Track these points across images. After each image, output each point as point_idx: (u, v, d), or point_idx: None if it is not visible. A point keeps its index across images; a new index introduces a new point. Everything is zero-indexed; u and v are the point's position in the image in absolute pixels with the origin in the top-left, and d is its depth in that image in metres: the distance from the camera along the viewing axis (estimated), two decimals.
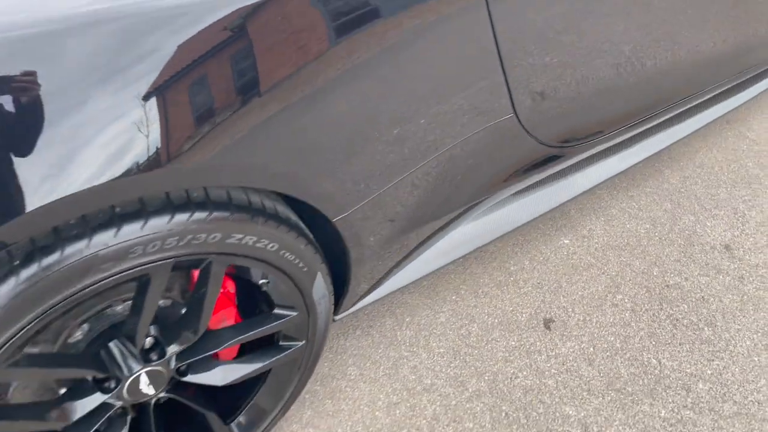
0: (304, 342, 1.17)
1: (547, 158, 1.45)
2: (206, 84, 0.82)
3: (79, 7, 0.75)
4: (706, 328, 1.56)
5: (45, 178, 0.73)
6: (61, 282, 0.79)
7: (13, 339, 0.80)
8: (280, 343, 1.16)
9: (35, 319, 0.80)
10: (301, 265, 1.05)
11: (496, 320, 1.56)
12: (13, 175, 0.72)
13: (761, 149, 2.08)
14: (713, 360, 1.49)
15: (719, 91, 1.92)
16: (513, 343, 1.52)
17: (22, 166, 0.73)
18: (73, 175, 0.75)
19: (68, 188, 0.74)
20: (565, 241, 1.76)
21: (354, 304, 1.32)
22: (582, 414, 1.38)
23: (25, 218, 0.73)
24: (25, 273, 0.77)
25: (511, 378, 1.45)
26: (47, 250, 0.78)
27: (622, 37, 1.42)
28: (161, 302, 1.03)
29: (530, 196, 1.58)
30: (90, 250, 0.80)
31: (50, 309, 0.80)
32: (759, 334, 1.55)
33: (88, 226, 0.80)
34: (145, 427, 1.09)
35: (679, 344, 1.52)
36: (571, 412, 1.39)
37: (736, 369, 1.48)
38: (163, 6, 0.79)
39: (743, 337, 1.54)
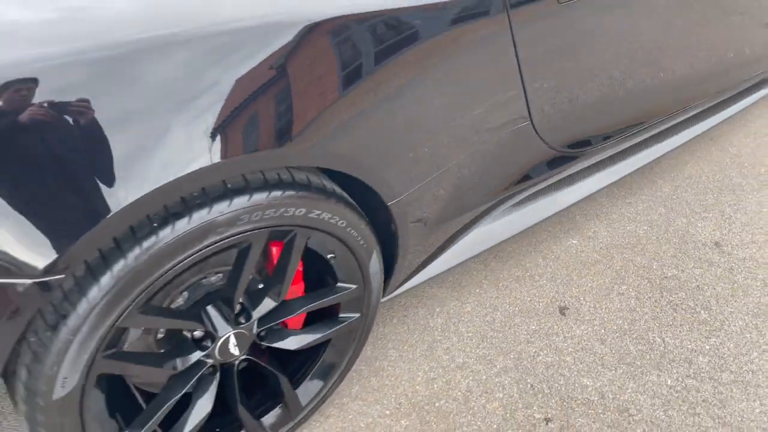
0: (359, 315, 1.36)
1: (553, 159, 1.67)
2: (303, 90, 1.04)
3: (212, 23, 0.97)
4: (702, 312, 1.76)
5: (171, 159, 0.94)
6: (187, 241, 0.99)
7: (147, 289, 0.99)
8: (340, 315, 1.36)
9: (165, 273, 0.99)
10: (362, 242, 1.25)
11: (517, 308, 1.76)
12: (150, 155, 0.93)
13: (742, 161, 2.31)
14: (710, 337, 1.68)
15: (701, 109, 2.17)
16: (533, 327, 1.71)
17: (157, 147, 0.93)
18: (195, 154, 0.95)
19: (192, 166, 0.95)
20: (573, 242, 1.97)
21: (396, 288, 1.52)
22: (598, 384, 1.57)
23: (160, 189, 0.93)
24: (162, 233, 0.96)
25: (533, 356, 1.63)
26: (178, 216, 0.98)
27: (616, 61, 1.66)
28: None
29: (540, 201, 1.79)
30: (210, 216, 1.00)
31: (177, 264, 1.00)
32: (749, 316, 1.74)
33: (208, 197, 1.00)
34: (228, 390, 1.27)
35: (680, 325, 1.71)
36: (588, 383, 1.57)
37: (731, 344, 1.67)
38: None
39: (736, 318, 1.74)
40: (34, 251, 0.85)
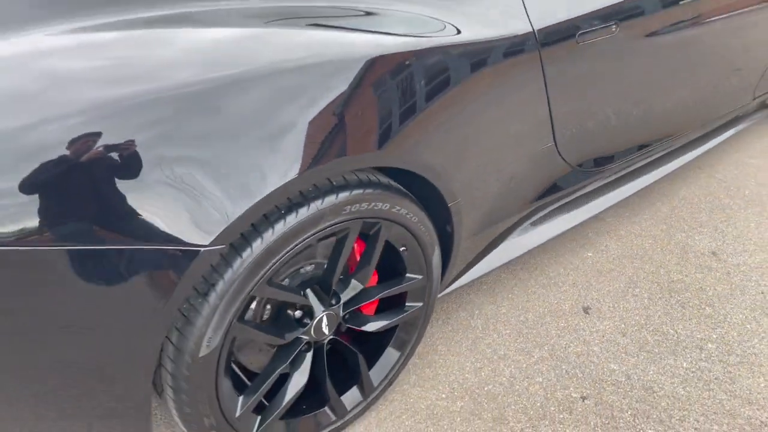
0: (422, 304, 1.60)
1: (569, 177, 1.95)
2: (391, 109, 1.31)
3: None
4: (707, 308, 2.01)
5: (294, 160, 1.19)
6: (305, 225, 1.24)
7: (275, 264, 1.23)
8: (407, 304, 1.59)
9: (289, 251, 1.23)
10: (428, 237, 1.50)
11: (546, 310, 1.99)
12: (281, 157, 1.18)
13: (728, 185, 2.62)
14: (716, 328, 1.93)
15: (689, 140, 2.48)
16: (562, 324, 1.94)
17: (284, 152, 1.19)
18: (308, 158, 1.21)
19: (305, 167, 1.21)
20: (589, 254, 2.23)
21: (447, 287, 1.76)
22: (624, 368, 1.80)
23: (286, 185, 1.19)
24: (289, 218, 1.21)
25: (564, 347, 1.86)
26: (299, 205, 1.23)
27: (622, 95, 1.96)
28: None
29: (557, 218, 2.06)
30: (323, 206, 1.25)
31: (297, 244, 1.24)
32: (748, 310, 2.00)
33: (320, 192, 1.26)
34: (318, 367, 1.48)
35: (689, 319, 1.96)
36: (615, 368, 1.80)
37: (735, 333, 1.91)
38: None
39: (736, 312, 1.99)
40: (205, 224, 1.09)
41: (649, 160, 2.33)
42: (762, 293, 2.06)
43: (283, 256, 1.23)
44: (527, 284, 2.09)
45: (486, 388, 1.74)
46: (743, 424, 1.65)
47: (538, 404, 1.70)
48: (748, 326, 1.94)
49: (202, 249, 1.09)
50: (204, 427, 1.30)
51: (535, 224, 2.00)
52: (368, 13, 1.37)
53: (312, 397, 1.53)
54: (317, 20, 1.30)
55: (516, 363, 1.81)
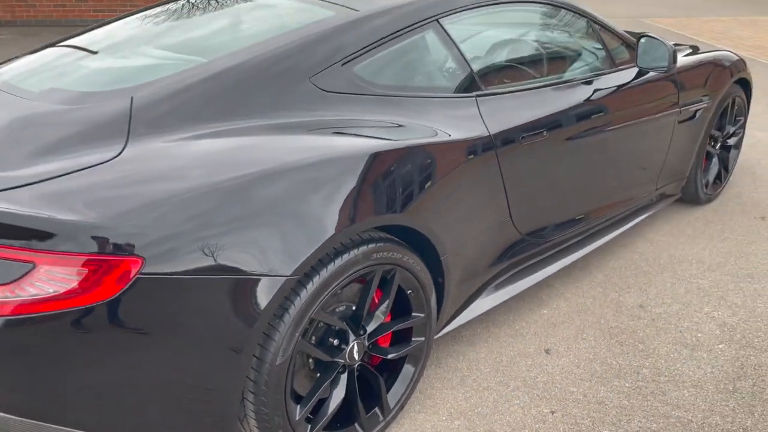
0: (423, 338, 2.07)
1: (522, 244, 2.52)
2: (400, 187, 1.87)
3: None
4: (639, 344, 2.54)
5: (341, 218, 1.72)
6: (347, 266, 1.74)
7: (328, 294, 1.71)
8: (412, 338, 2.06)
9: (336, 285, 1.72)
10: (427, 282, 2.01)
11: (516, 352, 2.48)
12: (333, 217, 1.71)
13: (647, 257, 3.25)
14: (648, 358, 2.45)
15: (613, 221, 3.13)
16: (529, 362, 2.43)
17: (334, 213, 1.71)
18: (345, 220, 1.74)
19: (353, 223, 1.73)
20: (544, 311, 2.76)
21: (440, 330, 2.24)
22: (581, 389, 2.27)
23: (335, 236, 1.70)
24: (337, 260, 1.71)
25: (534, 378, 2.33)
26: (342, 252, 1.74)
27: (555, 186, 2.59)
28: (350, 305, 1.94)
29: (518, 281, 2.61)
30: (359, 252, 1.76)
31: (343, 280, 1.73)
32: (671, 344, 2.54)
33: (356, 243, 1.77)
34: (350, 387, 1.91)
35: (626, 353, 2.48)
36: (574, 390, 2.28)
37: (663, 360, 2.44)
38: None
39: (663, 346, 2.53)
40: (287, 260, 1.58)
41: (583, 236, 2.94)
42: (680, 332, 2.62)
43: (332, 289, 1.72)
44: (498, 335, 2.59)
45: (476, 410, 2.18)
46: (674, 422, 2.14)
47: (518, 418, 2.14)
48: (672, 355, 2.47)
49: (285, 278, 1.58)
50: (274, 427, 1.70)
51: (498, 287, 2.54)
52: (399, 125, 1.98)
53: (343, 417, 1.94)
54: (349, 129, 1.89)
55: (497, 391, 2.27)
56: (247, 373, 1.65)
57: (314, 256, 1.63)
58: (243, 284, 1.54)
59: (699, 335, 2.61)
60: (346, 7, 2.17)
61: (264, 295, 1.57)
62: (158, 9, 2.61)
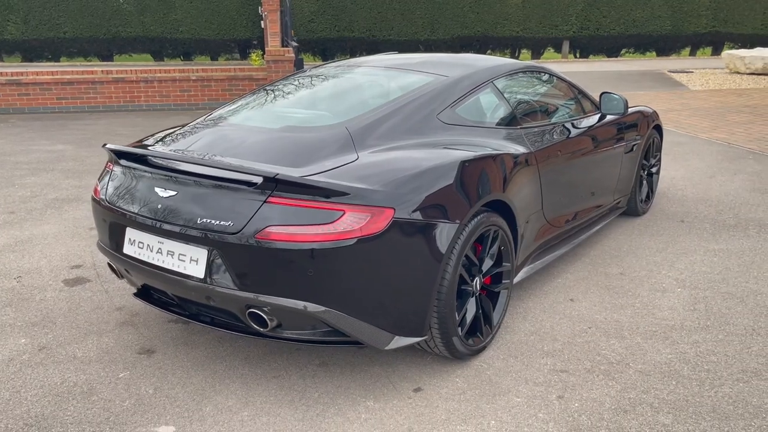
0: (509, 281, 3.19)
1: (546, 229, 3.72)
2: (493, 175, 3.03)
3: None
4: (629, 293, 3.76)
5: (482, 192, 2.85)
6: (479, 225, 2.85)
7: (471, 238, 2.81)
8: (503, 280, 3.17)
9: (474, 232, 2.83)
10: (510, 243, 3.15)
11: (551, 300, 3.63)
12: (472, 195, 2.84)
13: (614, 247, 4.54)
14: (636, 298, 3.68)
15: (592, 221, 4.42)
16: (546, 306, 3.58)
17: (474, 189, 2.85)
18: (483, 192, 2.88)
19: (482, 197, 2.87)
20: (558, 280, 3.94)
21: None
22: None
23: (477, 203, 2.83)
24: (474, 220, 2.83)
25: (564, 308, 3.48)
26: (477, 215, 2.86)
27: (562, 189, 3.84)
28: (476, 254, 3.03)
29: (547, 254, 3.79)
30: (479, 219, 2.88)
31: (476, 231, 2.84)
32: (649, 291, 3.79)
33: (480, 212, 2.90)
34: (476, 307, 2.98)
35: (620, 293, 3.69)
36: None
37: (648, 301, 3.67)
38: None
39: (643, 291, 3.76)
40: (461, 204, 2.70)
41: (577, 229, 4.20)
42: (652, 284, 3.87)
43: (474, 235, 2.82)
44: (534, 294, 3.74)
45: (540, 331, 3.29)
46: (665, 326, 3.35)
47: (569, 332, 3.27)
48: (652, 296, 3.72)
49: (458, 225, 2.69)
50: (453, 322, 2.74)
51: (531, 262, 3.72)
52: (473, 144, 3.16)
53: (469, 330, 3.00)
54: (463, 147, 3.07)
55: (549, 321, 3.40)
56: (439, 280, 2.69)
57: (466, 216, 2.75)
58: (440, 227, 2.64)
59: (664, 285, 3.88)
60: (436, 74, 3.39)
61: (448, 234, 2.67)
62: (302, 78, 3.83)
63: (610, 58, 22.74)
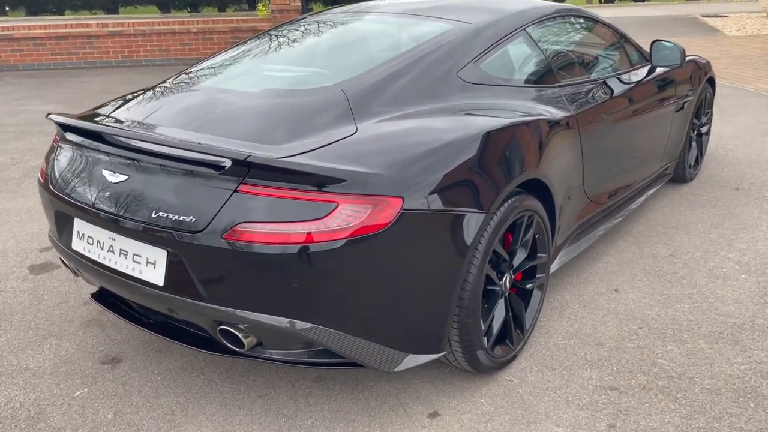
0: (544, 275, 2.63)
1: (587, 207, 3.13)
2: (529, 151, 2.44)
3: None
4: (683, 280, 3.19)
5: (509, 176, 2.27)
6: (510, 210, 2.28)
7: (499, 232, 2.24)
8: (537, 275, 2.61)
9: (505, 222, 2.26)
10: (547, 230, 2.57)
11: (593, 292, 3.07)
12: (501, 177, 2.26)
13: (660, 222, 3.94)
14: (693, 288, 3.10)
15: (635, 192, 3.81)
16: (587, 298, 3.02)
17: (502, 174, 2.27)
18: (504, 182, 2.29)
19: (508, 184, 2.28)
20: (599, 265, 3.37)
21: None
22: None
23: (508, 185, 2.25)
24: (505, 204, 2.26)
25: (608, 302, 2.93)
26: (508, 199, 2.28)
27: (613, 158, 3.23)
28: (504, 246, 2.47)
29: (587, 234, 3.21)
30: (510, 203, 2.30)
31: (509, 218, 2.27)
32: (706, 278, 3.21)
33: (510, 197, 2.32)
34: (506, 308, 2.44)
35: (672, 281, 3.12)
36: (649, 312, 2.89)
37: (706, 291, 3.09)
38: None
39: (700, 278, 3.18)
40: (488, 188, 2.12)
41: (620, 203, 3.59)
42: (709, 269, 3.29)
43: (504, 224, 2.26)
44: (573, 283, 3.18)
45: (582, 332, 2.74)
46: (731, 325, 2.78)
47: (616, 333, 2.72)
48: (711, 284, 3.14)
49: (485, 213, 2.11)
50: (478, 332, 2.21)
51: (568, 245, 3.14)
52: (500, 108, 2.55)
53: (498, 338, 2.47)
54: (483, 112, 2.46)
55: (591, 319, 2.85)
56: (460, 283, 2.14)
57: (495, 202, 2.18)
58: (462, 217, 2.07)
59: (724, 270, 3.30)
60: (457, 21, 2.76)
61: (472, 226, 2.10)
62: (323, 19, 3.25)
63: (638, 3, 21.50)
